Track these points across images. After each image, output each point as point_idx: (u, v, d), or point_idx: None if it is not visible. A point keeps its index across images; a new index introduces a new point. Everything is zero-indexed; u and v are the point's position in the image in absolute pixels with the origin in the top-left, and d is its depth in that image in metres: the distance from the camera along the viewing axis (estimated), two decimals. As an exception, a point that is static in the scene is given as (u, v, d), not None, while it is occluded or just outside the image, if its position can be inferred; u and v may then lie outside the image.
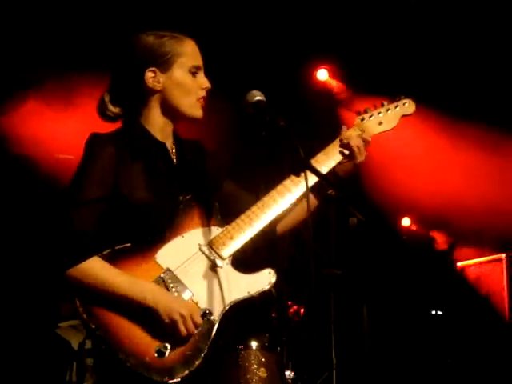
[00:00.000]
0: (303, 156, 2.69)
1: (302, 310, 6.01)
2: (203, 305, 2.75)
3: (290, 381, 5.02)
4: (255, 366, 4.62)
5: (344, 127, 3.09)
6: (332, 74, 7.51)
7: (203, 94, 2.89)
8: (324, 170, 2.97)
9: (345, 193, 2.89)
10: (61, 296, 5.55)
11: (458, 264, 7.58)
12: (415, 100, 3.20)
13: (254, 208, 2.89)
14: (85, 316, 2.60)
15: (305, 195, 2.83)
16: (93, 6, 6.09)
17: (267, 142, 2.78)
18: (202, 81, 2.89)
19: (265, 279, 2.83)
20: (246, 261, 2.90)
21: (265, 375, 4.61)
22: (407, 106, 3.19)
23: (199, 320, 2.68)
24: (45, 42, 6.14)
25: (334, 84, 7.52)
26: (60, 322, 5.46)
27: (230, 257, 2.83)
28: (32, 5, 5.98)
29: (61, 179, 5.94)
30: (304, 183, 2.65)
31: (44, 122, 6.35)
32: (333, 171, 3.02)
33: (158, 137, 2.89)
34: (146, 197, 2.77)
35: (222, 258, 2.81)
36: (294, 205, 2.99)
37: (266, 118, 2.72)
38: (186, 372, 2.62)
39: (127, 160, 2.78)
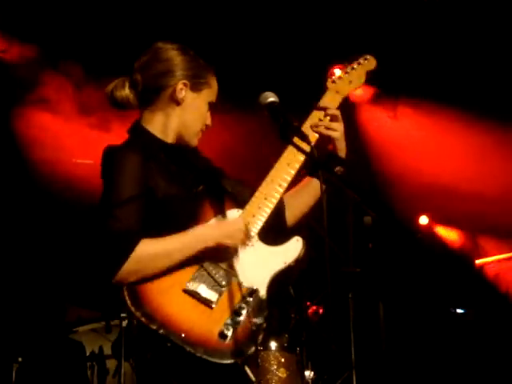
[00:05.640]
0: (317, 156, 2.73)
1: (321, 310, 6.02)
2: (248, 284, 2.78)
3: (309, 381, 5.03)
4: (275, 367, 4.63)
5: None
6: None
7: (204, 128, 3.02)
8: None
9: (360, 195, 2.90)
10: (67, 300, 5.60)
11: (477, 262, 7.54)
12: (374, 55, 3.22)
13: (264, 184, 2.94)
14: (144, 319, 2.62)
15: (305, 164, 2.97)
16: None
17: (283, 143, 2.81)
18: (209, 117, 3.02)
19: (296, 246, 2.88)
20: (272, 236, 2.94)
21: (284, 375, 4.62)
22: (368, 61, 3.21)
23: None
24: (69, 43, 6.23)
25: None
26: (69, 326, 5.49)
27: (257, 233, 2.87)
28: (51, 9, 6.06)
29: (78, 184, 6.00)
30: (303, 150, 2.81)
31: (61, 127, 6.38)
32: (331, 153, 3.06)
33: (167, 140, 2.96)
34: (171, 189, 2.83)
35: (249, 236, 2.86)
36: (301, 187, 3.11)
37: (279, 119, 2.74)
38: (253, 348, 2.67)
39: (145, 161, 2.82)
